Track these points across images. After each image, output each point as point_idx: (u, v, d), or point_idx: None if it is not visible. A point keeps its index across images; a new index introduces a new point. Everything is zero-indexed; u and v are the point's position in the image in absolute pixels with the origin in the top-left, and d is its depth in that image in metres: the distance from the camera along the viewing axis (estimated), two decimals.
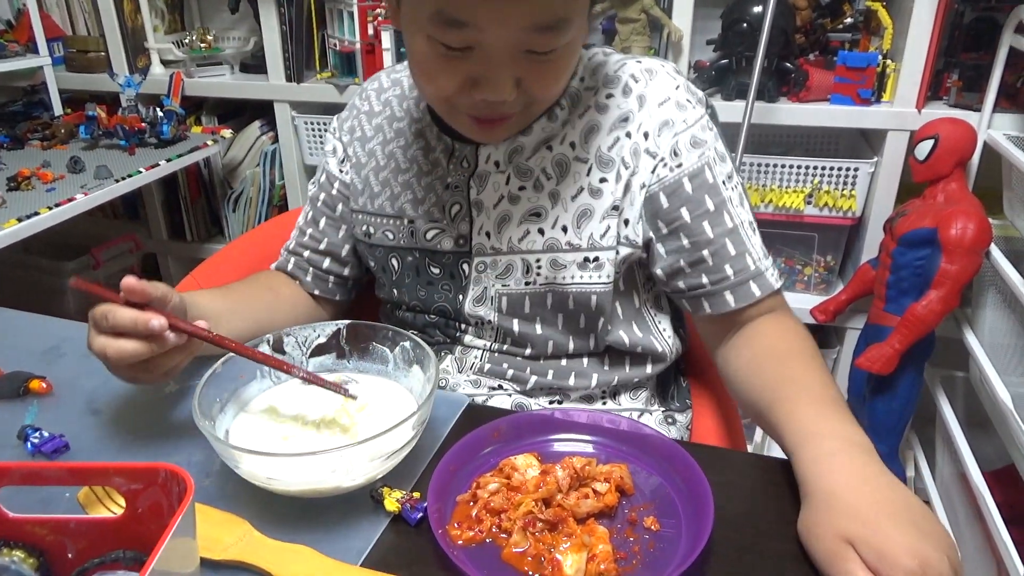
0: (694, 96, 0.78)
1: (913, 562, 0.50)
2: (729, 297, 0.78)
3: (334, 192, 0.91)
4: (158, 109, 1.80)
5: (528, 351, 0.84)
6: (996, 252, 1.34)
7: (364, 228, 0.88)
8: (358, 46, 1.77)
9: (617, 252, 0.79)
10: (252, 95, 1.92)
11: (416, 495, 0.60)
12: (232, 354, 0.65)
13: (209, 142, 1.83)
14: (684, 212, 0.77)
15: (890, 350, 1.39)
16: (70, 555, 0.50)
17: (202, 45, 1.92)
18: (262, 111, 1.99)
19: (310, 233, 0.93)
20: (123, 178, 1.57)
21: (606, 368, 0.85)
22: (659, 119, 0.77)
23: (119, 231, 2.18)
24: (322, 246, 0.92)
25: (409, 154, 0.85)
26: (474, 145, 0.80)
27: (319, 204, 0.93)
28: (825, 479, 0.59)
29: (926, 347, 1.45)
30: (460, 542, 0.57)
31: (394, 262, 0.87)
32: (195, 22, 2.12)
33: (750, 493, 0.63)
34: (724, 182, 0.78)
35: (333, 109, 1.98)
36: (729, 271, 0.77)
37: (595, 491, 0.61)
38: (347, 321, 0.71)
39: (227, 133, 1.92)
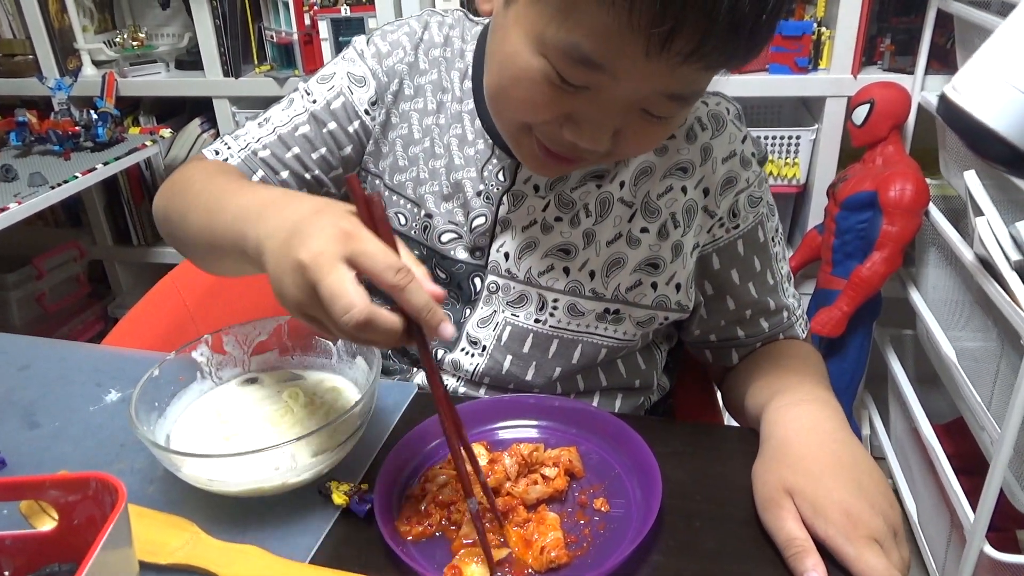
0: (758, 150, 0.75)
1: (844, 518, 0.51)
2: (758, 346, 0.79)
3: (350, 130, 0.75)
4: (92, 111, 1.76)
5: (509, 387, 0.76)
6: (935, 211, 1.37)
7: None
8: (295, 37, 1.73)
9: (667, 318, 0.75)
10: (189, 92, 1.87)
11: (364, 487, 0.59)
12: (171, 357, 0.64)
13: (148, 143, 1.78)
14: (734, 274, 0.76)
15: (838, 313, 1.42)
16: (7, 572, 0.49)
17: (134, 43, 1.86)
18: (201, 108, 1.95)
19: (274, 151, 0.74)
20: (59, 184, 1.53)
21: (594, 404, 0.78)
22: (722, 176, 0.72)
23: (61, 239, 2.12)
24: (287, 161, 0.75)
25: (445, 139, 0.74)
26: (516, 160, 0.71)
27: (308, 130, 0.74)
28: (781, 427, 0.61)
29: (873, 308, 1.49)
30: (410, 538, 0.56)
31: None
32: (126, 20, 2.05)
33: (697, 461, 0.64)
34: (772, 238, 0.77)
35: (274, 102, 1.96)
36: (765, 325, 0.78)
37: (544, 476, 0.60)
38: (288, 316, 0.70)
39: (166, 133, 1.88)
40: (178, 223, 0.67)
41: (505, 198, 0.72)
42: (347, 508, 0.58)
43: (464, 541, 0.55)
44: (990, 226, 1.11)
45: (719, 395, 0.87)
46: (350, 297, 0.45)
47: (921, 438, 1.37)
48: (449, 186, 0.74)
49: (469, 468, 0.55)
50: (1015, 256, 1.07)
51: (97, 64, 1.96)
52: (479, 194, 0.73)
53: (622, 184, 0.72)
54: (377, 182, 0.77)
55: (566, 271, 0.73)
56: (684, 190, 0.72)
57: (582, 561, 0.54)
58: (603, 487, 0.61)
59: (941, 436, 1.35)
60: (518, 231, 0.73)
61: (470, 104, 0.74)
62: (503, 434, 0.67)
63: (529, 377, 0.75)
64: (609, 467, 0.63)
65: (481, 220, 0.73)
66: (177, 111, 2.04)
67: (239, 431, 0.62)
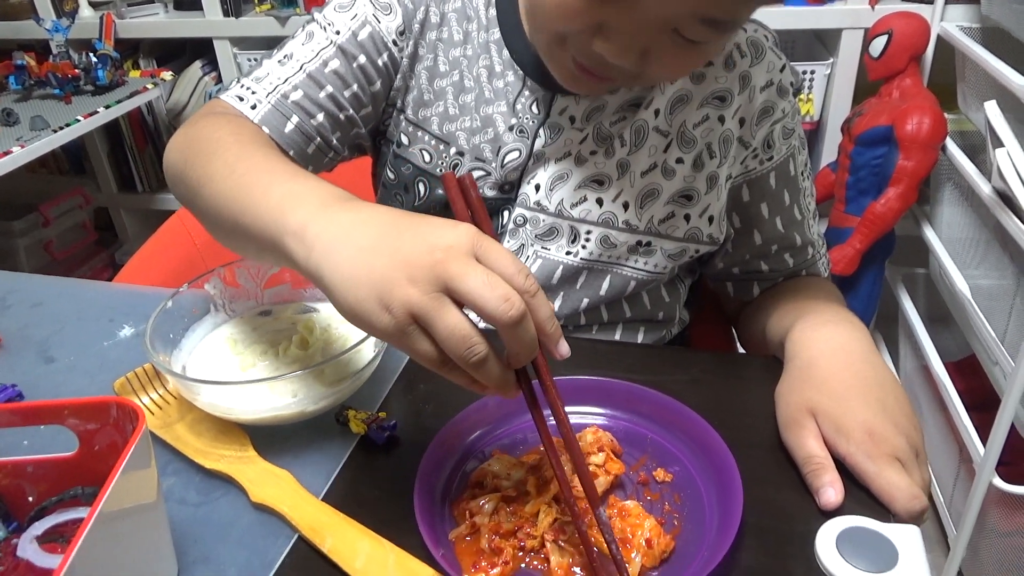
0: (796, 80, 0.73)
1: (866, 436, 0.51)
2: (780, 280, 0.78)
3: (379, 63, 0.70)
4: (91, 54, 1.72)
5: None
6: (952, 146, 1.34)
7: (398, 135, 0.74)
8: None
9: (697, 251, 0.74)
10: (189, 33, 1.84)
11: (382, 415, 0.59)
12: (184, 289, 0.64)
13: (149, 86, 1.76)
14: (763, 207, 0.74)
15: (851, 250, 1.41)
16: (30, 497, 0.49)
17: None
18: (202, 50, 1.91)
19: (306, 92, 0.68)
20: (61, 128, 1.51)
21: (616, 336, 0.78)
22: (759, 106, 0.70)
23: (66, 187, 2.10)
24: (321, 102, 0.69)
25: (475, 71, 0.71)
26: (550, 91, 0.69)
27: (338, 65, 0.69)
28: (807, 348, 0.61)
29: (886, 246, 1.47)
30: None
31: (421, 187, 0.74)
32: None
33: (716, 388, 0.64)
34: (802, 172, 0.76)
35: (276, 43, 1.91)
36: (789, 261, 0.77)
37: (596, 465, 0.53)
38: None
39: (167, 75, 1.85)
40: (195, 190, 0.59)
41: (542, 131, 0.70)
42: (365, 436, 0.58)
43: (574, 570, 0.47)
44: (1010, 157, 1.08)
45: (734, 329, 0.87)
46: (507, 287, 0.41)
47: (931, 375, 1.37)
48: (480, 120, 0.71)
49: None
50: None
51: (94, 5, 1.92)
52: (511, 128, 0.70)
53: (657, 112, 0.70)
54: (400, 117, 0.74)
55: (599, 202, 0.71)
56: (721, 120, 0.70)
57: (684, 540, 0.49)
58: (648, 457, 0.56)
59: (952, 373, 1.35)
60: (551, 164, 0.71)
61: (496, 33, 0.71)
62: (516, 435, 0.59)
63: (556, 305, 0.74)
64: (639, 435, 0.58)
65: (515, 155, 0.71)
66: (177, 54, 2.00)
67: (255, 361, 0.62)
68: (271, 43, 1.83)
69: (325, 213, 0.46)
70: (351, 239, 0.43)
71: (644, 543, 0.48)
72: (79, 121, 1.55)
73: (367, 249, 0.42)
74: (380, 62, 0.71)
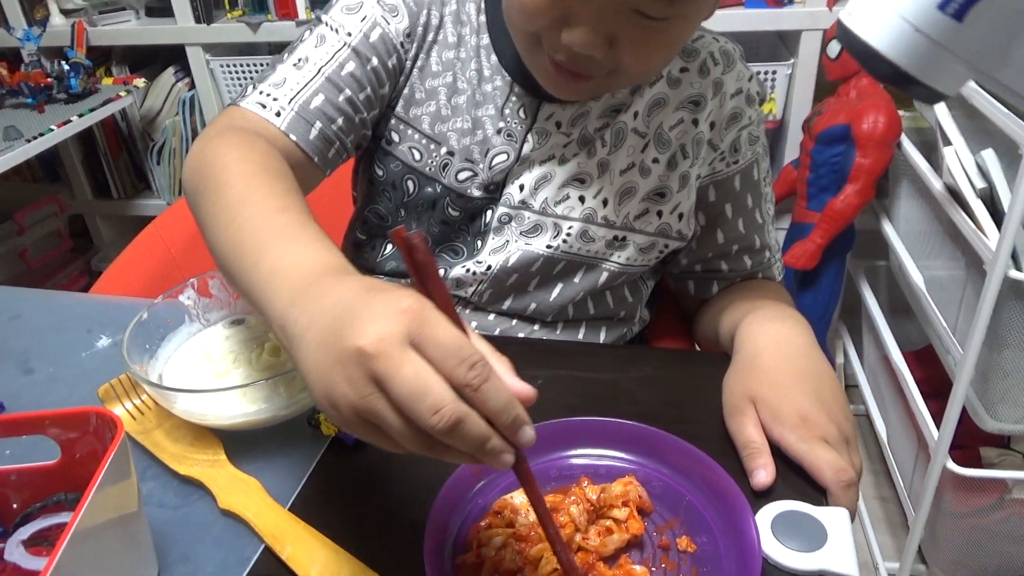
0: (762, 89, 0.77)
1: (799, 422, 0.55)
2: (737, 280, 0.82)
3: (389, 65, 0.72)
4: (63, 62, 1.73)
5: (505, 306, 0.78)
6: (907, 143, 1.39)
7: (387, 132, 0.75)
8: None
9: (666, 245, 0.78)
10: (161, 40, 1.84)
11: None
12: (159, 301, 0.66)
13: (122, 93, 1.76)
14: (727, 208, 0.78)
15: (812, 245, 1.45)
16: (14, 505, 0.52)
17: None
18: (175, 57, 1.92)
19: (328, 97, 0.69)
20: (34, 137, 1.52)
21: (580, 334, 0.81)
22: (729, 111, 0.75)
23: (40, 194, 2.10)
24: (340, 106, 0.70)
25: (467, 74, 0.74)
26: (537, 97, 0.72)
27: (354, 68, 0.70)
28: (752, 341, 0.65)
29: (847, 240, 1.52)
30: None
31: (409, 184, 0.76)
32: None
33: (667, 383, 0.67)
34: (764, 178, 0.80)
35: (249, 50, 1.94)
36: (748, 262, 0.81)
37: (615, 520, 0.51)
38: None
39: (140, 83, 1.85)
40: (201, 225, 0.58)
41: (530, 136, 0.73)
42: (336, 437, 0.61)
43: None
44: (957, 155, 1.13)
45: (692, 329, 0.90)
46: (437, 393, 0.36)
47: (892, 365, 1.42)
48: (470, 121, 0.74)
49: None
50: (980, 184, 1.10)
51: (65, 13, 1.92)
52: (500, 132, 0.73)
53: (636, 115, 0.74)
54: (389, 113, 0.75)
55: (581, 199, 0.74)
56: (695, 123, 0.74)
57: None
58: (679, 522, 0.53)
59: (911, 362, 1.40)
60: (536, 166, 0.74)
61: (486, 39, 0.74)
62: (551, 466, 0.57)
63: (529, 290, 0.77)
64: (677, 495, 0.54)
65: (503, 158, 0.73)
66: (150, 60, 2.01)
67: (229, 369, 0.64)
68: (243, 49, 1.85)
69: (299, 302, 0.44)
70: (311, 334, 0.41)
71: None
72: (53, 130, 1.56)
73: (320, 346, 0.40)
74: (390, 64, 0.72)
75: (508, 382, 0.39)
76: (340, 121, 0.70)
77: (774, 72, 1.59)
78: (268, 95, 0.69)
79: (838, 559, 0.48)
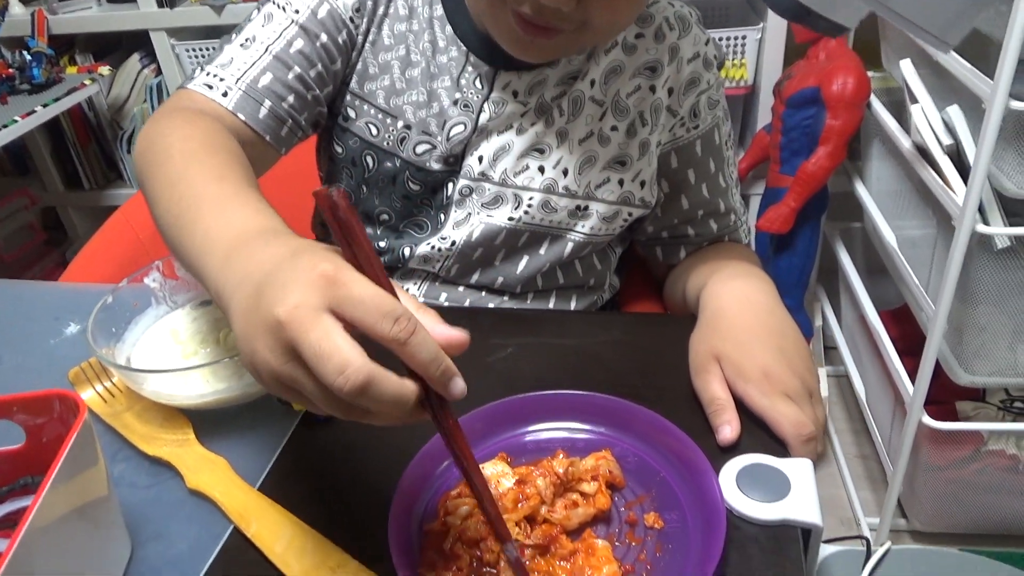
0: (719, 53, 0.77)
1: (762, 377, 0.55)
2: (704, 244, 0.82)
3: (340, 40, 0.72)
4: (25, 52, 1.70)
5: (473, 279, 0.79)
6: (876, 104, 1.39)
7: (344, 108, 0.75)
8: None
9: (630, 213, 0.78)
10: (124, 26, 1.81)
11: None
12: (123, 285, 0.66)
13: (87, 82, 1.74)
14: (690, 174, 0.78)
15: (786, 209, 1.46)
16: None
17: None
18: (139, 43, 1.88)
19: (276, 75, 0.69)
20: None
21: (551, 303, 0.81)
22: (687, 76, 0.75)
23: (9, 188, 2.07)
24: (290, 83, 0.70)
25: (420, 45, 0.73)
26: (492, 68, 0.72)
27: (303, 45, 0.69)
28: (716, 300, 0.66)
29: (821, 203, 1.53)
30: None
31: (368, 160, 0.76)
32: None
33: (636, 347, 0.68)
34: (726, 142, 0.80)
35: (214, 32, 1.91)
36: (713, 227, 0.81)
37: (583, 494, 0.52)
38: None
39: (105, 70, 1.82)
40: (148, 201, 0.59)
41: (486, 106, 0.73)
42: (306, 413, 0.61)
43: None
44: (924, 113, 1.14)
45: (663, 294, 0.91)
46: (343, 354, 0.36)
47: (868, 325, 1.44)
48: (426, 94, 0.73)
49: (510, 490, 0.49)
50: (947, 141, 1.10)
51: (24, 2, 1.88)
52: (456, 103, 0.73)
53: (592, 83, 0.73)
54: (344, 90, 0.75)
55: (541, 170, 0.74)
56: (652, 89, 0.74)
57: None
58: (650, 498, 0.53)
59: (887, 321, 1.42)
60: (494, 136, 0.74)
61: (439, 10, 0.73)
62: (525, 439, 0.58)
63: (496, 263, 0.78)
64: (651, 471, 0.54)
65: (460, 129, 0.73)
66: (114, 47, 1.97)
67: (197, 349, 0.64)
68: (209, 33, 1.82)
69: (228, 266, 0.45)
70: (235, 301, 0.42)
71: None
72: (17, 122, 1.53)
73: (244, 313, 0.41)
74: (340, 39, 0.72)
75: (437, 331, 0.39)
76: (291, 99, 0.70)
77: (744, 37, 1.59)
78: (215, 76, 0.69)
79: (802, 508, 0.49)
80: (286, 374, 0.38)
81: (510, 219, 0.75)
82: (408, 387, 0.38)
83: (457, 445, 0.43)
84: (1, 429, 0.51)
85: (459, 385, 0.40)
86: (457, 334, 0.40)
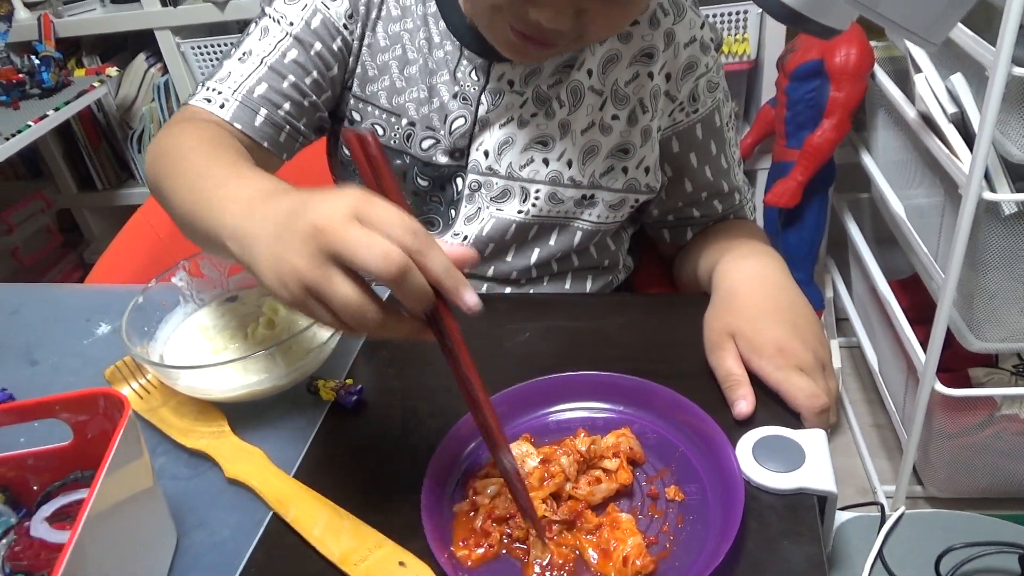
0: (715, 36, 0.78)
1: (776, 351, 0.57)
2: (711, 224, 0.83)
3: (334, 48, 0.74)
4: (33, 57, 1.72)
5: (488, 272, 0.81)
6: (880, 73, 1.40)
7: (348, 112, 0.78)
8: None
9: (637, 200, 0.79)
10: (129, 27, 1.82)
11: (349, 382, 0.65)
12: (152, 285, 0.68)
13: (96, 84, 1.76)
14: (692, 157, 0.79)
15: (793, 183, 1.47)
16: (34, 487, 0.54)
17: None
18: (145, 42, 1.90)
19: (271, 85, 0.72)
20: (12, 135, 1.52)
21: (567, 285, 0.83)
22: (684, 61, 0.75)
23: (24, 192, 2.10)
24: (285, 91, 0.73)
25: (416, 43, 0.75)
26: (486, 60, 0.73)
27: (297, 55, 0.72)
28: (729, 279, 0.67)
29: (828, 175, 1.53)
30: (470, 563, 0.50)
31: None
32: None
33: (649, 327, 0.70)
34: (727, 123, 0.80)
35: (219, 29, 1.92)
36: (718, 207, 0.82)
37: (605, 470, 0.54)
38: None
39: (113, 71, 1.84)
40: (166, 201, 0.63)
41: (483, 97, 0.74)
42: (335, 402, 0.64)
43: (536, 568, 0.49)
44: (928, 81, 1.14)
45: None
46: (384, 244, 0.41)
47: (879, 295, 1.45)
48: (426, 90, 0.75)
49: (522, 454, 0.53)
50: (951, 109, 1.11)
51: (30, 6, 1.89)
52: (455, 96, 0.74)
53: (590, 72, 0.74)
54: (347, 95, 0.77)
55: (546, 162, 0.76)
56: (650, 76, 0.75)
57: (669, 565, 0.49)
58: (671, 472, 0.55)
59: (897, 291, 1.43)
60: (496, 129, 0.75)
61: (432, 6, 0.75)
62: (548, 420, 0.60)
63: (509, 259, 0.79)
64: (670, 446, 0.56)
65: (461, 122, 0.75)
66: (120, 48, 1.99)
67: (226, 344, 0.67)
68: (213, 29, 1.83)
69: (250, 212, 0.49)
70: (264, 231, 0.46)
71: (622, 559, 0.48)
72: (30, 127, 1.55)
73: (272, 237, 0.45)
74: (335, 47, 0.74)
75: (448, 248, 0.44)
76: (287, 106, 0.72)
77: (746, 11, 1.58)
78: (213, 90, 0.72)
79: (817, 476, 0.51)
80: (315, 279, 0.42)
81: (519, 212, 0.77)
82: (429, 288, 0.43)
83: (461, 359, 0.47)
84: (44, 428, 0.54)
85: (472, 295, 0.44)
86: (468, 251, 0.46)
